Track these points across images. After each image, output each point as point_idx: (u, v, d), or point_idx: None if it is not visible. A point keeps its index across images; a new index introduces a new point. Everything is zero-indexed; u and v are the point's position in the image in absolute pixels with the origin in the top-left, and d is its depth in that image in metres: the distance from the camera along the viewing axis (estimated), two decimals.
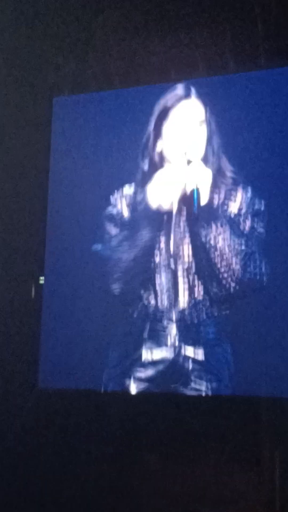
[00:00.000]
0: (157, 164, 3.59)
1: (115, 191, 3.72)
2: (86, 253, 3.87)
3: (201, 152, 3.46)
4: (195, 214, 3.33)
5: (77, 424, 3.71)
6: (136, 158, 3.71)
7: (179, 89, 3.55)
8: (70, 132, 4.13)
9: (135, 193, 3.63)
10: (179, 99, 3.52)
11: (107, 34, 4.00)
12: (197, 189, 3.33)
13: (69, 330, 3.88)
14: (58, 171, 4.14)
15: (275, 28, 3.65)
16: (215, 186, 3.48)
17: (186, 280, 3.52)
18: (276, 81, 3.66)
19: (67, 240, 4.02)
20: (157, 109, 3.57)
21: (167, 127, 3.53)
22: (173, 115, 3.51)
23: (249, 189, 3.51)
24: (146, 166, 3.59)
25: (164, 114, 3.52)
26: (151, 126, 3.57)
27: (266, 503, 3.35)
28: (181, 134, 3.49)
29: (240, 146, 3.61)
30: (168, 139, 3.53)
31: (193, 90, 3.53)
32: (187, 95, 3.51)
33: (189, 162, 3.41)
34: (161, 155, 3.57)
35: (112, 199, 3.70)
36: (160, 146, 3.55)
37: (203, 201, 3.40)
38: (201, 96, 3.54)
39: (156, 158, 3.57)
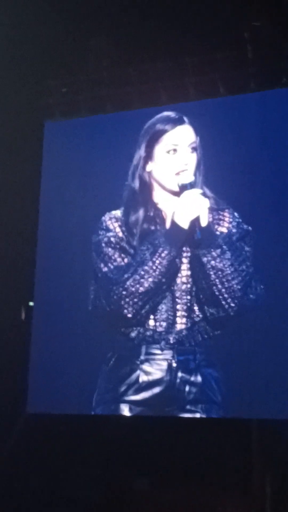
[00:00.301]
0: (147, 185, 3.60)
1: (107, 214, 3.72)
2: (77, 276, 3.84)
3: (192, 177, 3.49)
4: (199, 239, 3.36)
5: (69, 448, 3.66)
6: (126, 180, 3.72)
7: (174, 115, 3.60)
8: (61, 156, 4.15)
9: (127, 214, 3.63)
10: (174, 124, 3.56)
11: (98, 59, 4.06)
12: (198, 216, 3.35)
13: (60, 354, 3.84)
14: (49, 194, 4.16)
15: (262, 52, 3.72)
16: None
17: (184, 302, 3.52)
18: (262, 104, 3.74)
19: (57, 263, 4.01)
20: (149, 132, 3.60)
21: (159, 150, 3.56)
22: (166, 138, 3.54)
23: (235, 213, 3.55)
24: (137, 187, 3.61)
25: (157, 137, 3.55)
26: (143, 148, 3.59)
27: None
28: (172, 158, 3.53)
29: (225, 171, 3.67)
30: (159, 162, 3.56)
31: (186, 118, 3.58)
32: (181, 121, 3.57)
33: (183, 186, 3.45)
34: (151, 177, 3.59)
35: (105, 222, 3.69)
36: (150, 167, 3.57)
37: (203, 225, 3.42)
38: (193, 123, 3.59)
39: (147, 179, 3.59)
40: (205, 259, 3.39)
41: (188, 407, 3.47)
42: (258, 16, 3.76)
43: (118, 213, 3.65)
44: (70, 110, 4.17)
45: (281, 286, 3.50)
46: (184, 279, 3.52)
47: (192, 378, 3.48)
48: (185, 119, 3.56)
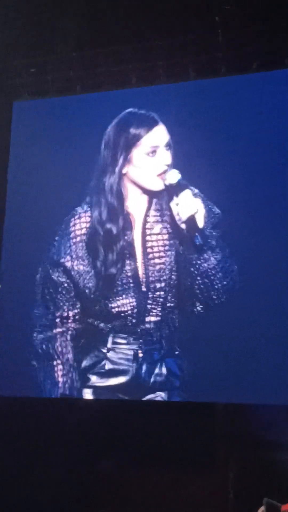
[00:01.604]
0: (121, 187, 3.61)
1: (73, 211, 3.72)
2: (46, 263, 3.81)
3: (178, 174, 3.50)
4: (200, 244, 3.39)
5: (34, 431, 3.67)
6: (95, 162, 3.70)
7: (145, 114, 3.61)
8: (30, 136, 4.10)
9: (95, 211, 3.64)
10: (150, 126, 3.57)
11: (67, 40, 4.00)
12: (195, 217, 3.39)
13: (26, 338, 3.83)
14: (16, 176, 4.11)
15: (233, 37, 3.70)
16: None
17: (156, 297, 3.54)
18: (235, 88, 3.72)
19: (25, 248, 3.96)
20: (124, 135, 3.59)
21: (138, 153, 3.57)
22: (145, 142, 3.55)
23: (213, 207, 3.56)
24: (109, 187, 3.62)
25: (135, 141, 3.56)
26: (119, 151, 3.59)
27: (220, 507, 3.35)
28: (152, 160, 3.55)
29: (194, 155, 3.66)
30: (139, 165, 3.57)
31: (157, 117, 3.59)
32: (155, 122, 3.59)
33: (171, 185, 3.47)
34: (127, 178, 3.61)
35: (78, 214, 3.70)
36: (126, 170, 3.58)
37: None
38: (164, 120, 3.60)
39: (122, 180, 3.61)
40: (198, 262, 3.44)
41: (151, 392, 3.53)
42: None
43: (84, 208, 3.67)
44: (39, 90, 4.12)
45: (252, 272, 3.51)
46: (160, 276, 3.54)
47: (157, 369, 3.52)
48: (157, 118, 3.59)
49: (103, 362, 3.57)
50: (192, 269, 3.46)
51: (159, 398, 3.52)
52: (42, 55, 4.05)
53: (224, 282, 3.46)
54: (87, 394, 3.60)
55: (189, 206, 3.41)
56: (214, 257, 3.44)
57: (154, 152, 3.55)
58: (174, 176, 3.48)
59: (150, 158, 3.56)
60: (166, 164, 3.54)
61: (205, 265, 3.45)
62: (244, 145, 3.64)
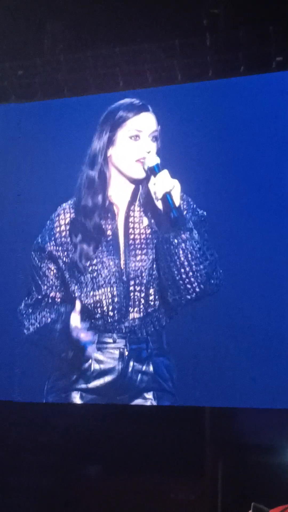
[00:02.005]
0: (105, 173, 3.58)
1: (67, 200, 3.70)
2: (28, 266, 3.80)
3: (157, 158, 3.48)
4: (175, 217, 3.35)
5: (21, 436, 3.64)
6: (83, 166, 3.69)
7: (138, 101, 3.59)
8: (16, 139, 4.08)
9: (81, 203, 3.61)
10: (139, 110, 3.55)
11: (55, 42, 3.99)
12: (170, 195, 3.35)
13: (11, 341, 3.81)
14: (2, 180, 4.09)
15: (221, 40, 3.70)
16: None
17: (138, 290, 3.52)
18: (222, 92, 3.74)
19: (8, 256, 3.95)
20: (112, 117, 3.58)
21: (122, 135, 3.54)
22: (130, 124, 3.53)
23: (189, 198, 3.55)
24: (95, 174, 3.59)
25: (121, 122, 3.54)
26: (104, 133, 3.57)
27: None
28: (134, 144, 3.52)
29: (182, 158, 3.65)
30: (121, 147, 3.55)
31: (149, 107, 3.58)
32: (145, 108, 3.57)
33: (150, 169, 3.43)
34: (110, 162, 3.58)
35: (63, 208, 3.68)
36: (110, 152, 3.55)
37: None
38: (156, 112, 3.58)
39: (106, 165, 3.58)
40: (175, 241, 3.38)
41: (139, 395, 3.50)
42: (216, 3, 3.74)
43: (70, 203, 3.64)
44: (26, 93, 4.10)
45: (239, 272, 3.52)
46: (141, 267, 3.52)
47: (144, 367, 3.50)
48: (149, 107, 3.56)
49: (88, 362, 3.53)
50: (171, 247, 3.39)
51: (148, 403, 3.50)
52: (29, 57, 4.04)
53: (205, 264, 3.42)
54: (73, 398, 3.57)
55: (165, 183, 3.36)
56: (193, 238, 3.40)
57: (137, 136, 3.52)
58: (152, 160, 3.44)
59: (133, 142, 3.53)
60: (147, 151, 3.49)
61: (184, 246, 3.39)
62: (232, 148, 3.64)
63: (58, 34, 4.02)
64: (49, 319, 3.61)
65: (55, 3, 3.90)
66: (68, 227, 3.63)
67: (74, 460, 3.58)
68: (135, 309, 3.52)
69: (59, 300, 3.63)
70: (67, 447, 3.59)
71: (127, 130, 3.53)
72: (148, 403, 3.50)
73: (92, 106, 3.88)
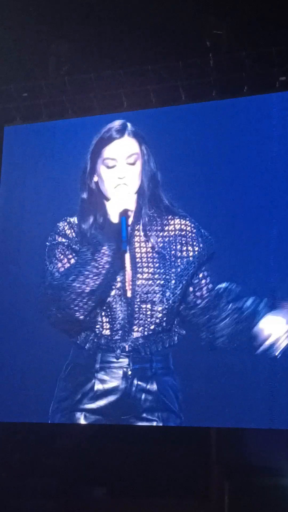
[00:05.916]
0: (95, 195, 3.62)
1: (63, 219, 3.71)
2: (33, 282, 3.79)
3: (136, 184, 3.54)
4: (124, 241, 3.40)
5: (26, 457, 3.62)
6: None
7: (116, 126, 3.61)
8: (21, 160, 4.12)
9: (80, 221, 3.64)
10: (112, 138, 3.58)
11: (59, 64, 4.04)
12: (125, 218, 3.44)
13: (17, 363, 3.79)
14: (7, 199, 4.12)
15: (224, 61, 3.74)
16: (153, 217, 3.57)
17: (143, 309, 3.51)
18: (226, 112, 3.77)
19: (14, 269, 3.96)
20: (92, 144, 3.63)
21: (100, 164, 3.59)
22: (105, 153, 3.57)
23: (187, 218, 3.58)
24: (85, 196, 3.64)
25: (97, 150, 3.59)
26: (88, 160, 3.62)
27: None
28: (111, 172, 3.55)
29: (184, 178, 3.70)
30: (101, 176, 3.59)
31: (128, 129, 3.59)
32: (121, 133, 3.58)
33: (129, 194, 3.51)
34: (98, 187, 3.62)
35: (60, 228, 3.69)
36: (96, 179, 3.61)
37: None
38: (137, 133, 3.59)
39: (94, 189, 3.62)
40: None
41: (144, 415, 3.47)
42: (219, 24, 3.78)
43: (74, 219, 3.65)
44: (31, 115, 4.13)
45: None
46: (147, 285, 3.52)
47: (148, 386, 3.46)
48: (126, 131, 3.58)
49: (92, 382, 3.51)
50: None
51: (154, 424, 3.46)
52: (35, 79, 4.08)
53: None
54: (77, 418, 3.53)
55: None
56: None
57: (113, 165, 3.56)
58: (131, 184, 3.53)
59: (110, 171, 3.57)
60: (121, 177, 3.54)
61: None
62: (235, 168, 3.66)
63: (62, 56, 4.06)
64: None
65: (60, 26, 3.94)
66: (65, 248, 3.64)
67: (79, 481, 3.54)
68: (138, 328, 3.51)
69: None
70: (71, 469, 3.55)
71: (102, 160, 3.58)
72: (154, 424, 3.46)
73: (97, 126, 3.89)
